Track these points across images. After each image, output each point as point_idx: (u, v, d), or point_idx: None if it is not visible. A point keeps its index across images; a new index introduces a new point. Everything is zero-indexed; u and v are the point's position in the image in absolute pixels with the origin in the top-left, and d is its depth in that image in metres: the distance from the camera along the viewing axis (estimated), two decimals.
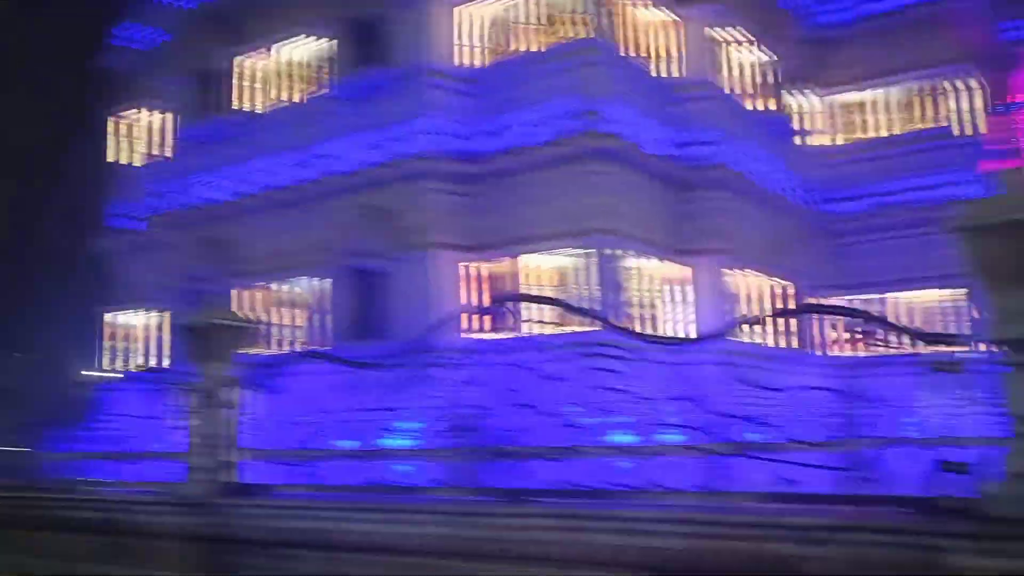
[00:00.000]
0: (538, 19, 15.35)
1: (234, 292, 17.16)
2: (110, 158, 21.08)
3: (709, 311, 15.76)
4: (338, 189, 16.01)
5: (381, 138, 15.79)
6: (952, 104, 19.87)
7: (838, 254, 20.04)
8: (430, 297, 14.66)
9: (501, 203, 14.89)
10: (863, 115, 20.55)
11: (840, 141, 20.60)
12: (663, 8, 16.39)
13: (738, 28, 17.35)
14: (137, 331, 19.97)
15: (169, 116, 20.63)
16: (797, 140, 19.52)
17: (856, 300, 20.15)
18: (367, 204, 15.52)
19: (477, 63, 15.77)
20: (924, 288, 19.38)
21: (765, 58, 18.37)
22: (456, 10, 15.78)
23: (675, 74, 16.46)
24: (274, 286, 17.12)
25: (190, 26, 18.98)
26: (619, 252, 14.28)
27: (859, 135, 20.51)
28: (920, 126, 19.99)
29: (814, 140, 20.24)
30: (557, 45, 14.82)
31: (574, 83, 14.42)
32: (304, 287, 16.79)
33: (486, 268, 15.13)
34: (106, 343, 20.12)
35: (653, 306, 15.15)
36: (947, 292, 19.10)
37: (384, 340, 14.83)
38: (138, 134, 21.04)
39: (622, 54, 15.02)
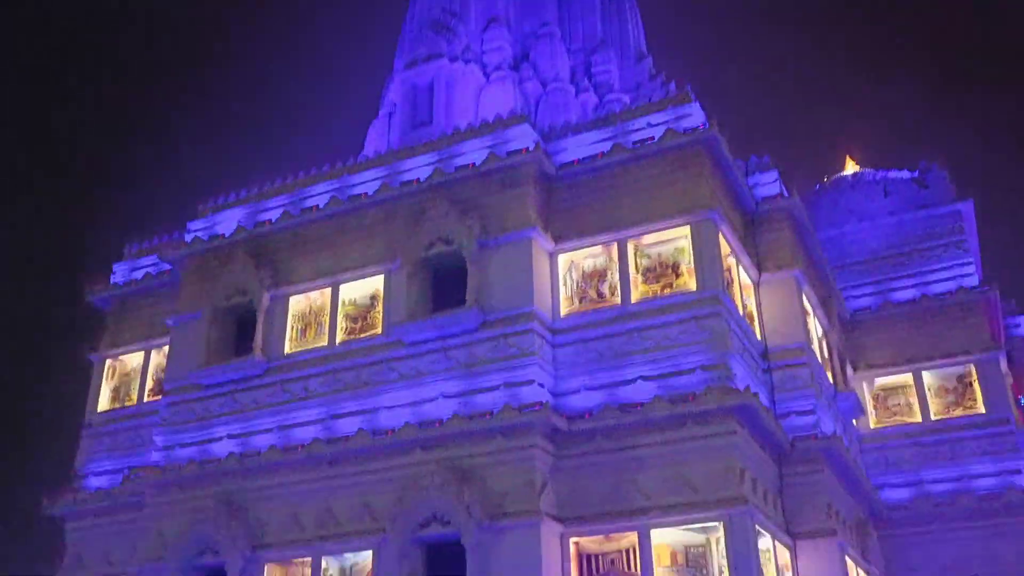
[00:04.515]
0: (638, 268, 14.34)
1: (268, 568, 14.04)
2: (97, 405, 18.17)
3: None
4: (400, 444, 13.78)
5: (461, 388, 13.91)
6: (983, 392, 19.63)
7: (890, 544, 18.66)
8: None
9: (612, 467, 12.96)
10: (900, 399, 20.07)
11: (880, 425, 19.90)
12: (753, 269, 15.79)
13: (812, 295, 16.88)
14: None
15: (161, 358, 18.16)
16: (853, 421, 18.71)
17: None
18: (442, 462, 13.27)
19: (567, 311, 14.42)
20: None
21: (831, 331, 17.88)
22: (545, 256, 14.66)
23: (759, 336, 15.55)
24: (304, 560, 14.12)
25: (207, 261, 17.13)
26: (758, 528, 12.38)
27: (898, 419, 19.89)
28: (959, 413, 19.58)
29: (861, 423, 19.49)
30: (676, 295, 13.72)
31: (699, 336, 13.21)
32: (345, 562, 13.88)
33: (594, 544, 12.85)
34: None
35: None
36: None
37: None
38: (128, 377, 18.36)
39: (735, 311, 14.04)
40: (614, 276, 14.41)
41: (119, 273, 19.69)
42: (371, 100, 25.95)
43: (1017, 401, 22.46)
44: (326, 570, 13.88)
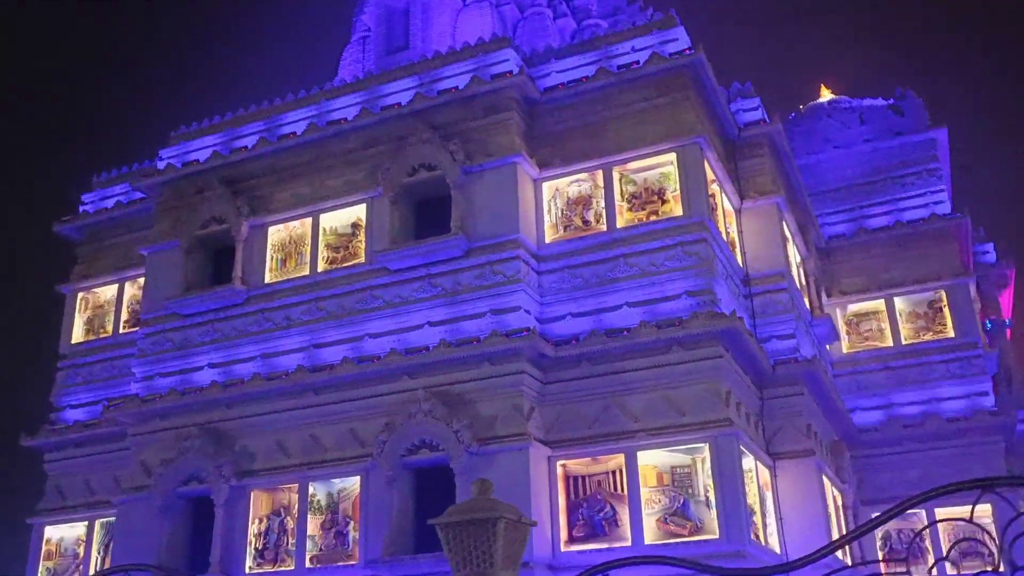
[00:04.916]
0: (623, 195, 14.29)
1: (254, 494, 14.11)
2: (71, 337, 17.95)
3: (800, 521, 14.14)
4: (386, 371, 13.79)
5: (446, 315, 13.90)
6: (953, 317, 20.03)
7: (862, 464, 19.16)
8: (517, 500, 12.30)
9: (599, 391, 13.10)
10: (872, 324, 20.42)
11: (853, 350, 20.27)
12: (735, 196, 15.83)
13: (791, 222, 17.01)
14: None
15: (136, 289, 17.92)
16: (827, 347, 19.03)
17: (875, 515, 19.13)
18: (429, 389, 13.31)
19: (552, 239, 14.38)
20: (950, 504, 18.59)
21: (808, 258, 18.07)
22: (529, 183, 14.56)
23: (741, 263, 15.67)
24: (291, 486, 14.19)
25: (182, 189, 16.80)
26: (742, 449, 12.63)
27: (870, 344, 20.26)
28: (929, 337, 19.98)
29: (834, 348, 19.83)
30: (662, 221, 13.72)
31: (685, 262, 13.26)
32: (332, 487, 13.96)
33: (581, 466, 13.03)
34: (43, 564, 16.08)
35: (764, 514, 13.40)
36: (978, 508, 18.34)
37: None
38: (103, 309, 18.10)
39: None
40: (599, 203, 14.35)
41: (89, 203, 19.26)
42: (343, 25, 25.37)
43: (983, 325, 23.02)
44: (313, 495, 13.97)
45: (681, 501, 12.50)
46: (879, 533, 18.93)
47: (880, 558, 18.62)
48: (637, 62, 14.56)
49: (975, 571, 16.21)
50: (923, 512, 18.58)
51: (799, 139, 22.43)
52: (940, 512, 18.44)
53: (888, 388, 19.71)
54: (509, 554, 5.77)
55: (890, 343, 20.10)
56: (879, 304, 20.46)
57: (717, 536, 12.00)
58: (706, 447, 12.47)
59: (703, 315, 12.77)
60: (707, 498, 12.33)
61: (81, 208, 19.18)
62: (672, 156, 14.09)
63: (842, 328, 20.49)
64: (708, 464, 12.45)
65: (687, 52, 14.31)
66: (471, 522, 5.76)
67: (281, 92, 17.12)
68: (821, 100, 24.17)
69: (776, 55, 43.73)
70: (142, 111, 42.90)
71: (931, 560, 18.38)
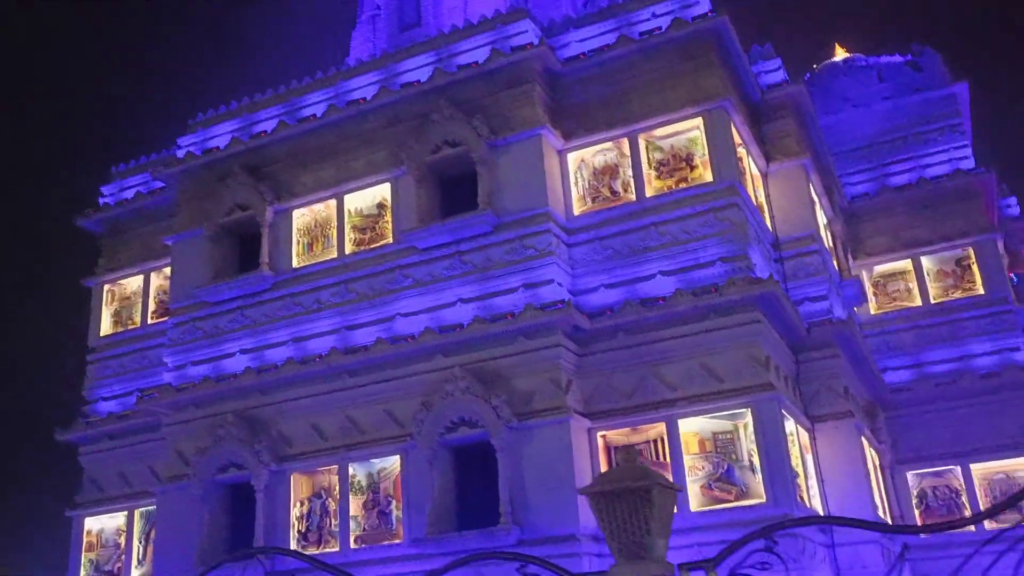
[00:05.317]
0: (650, 163, 14.16)
1: (294, 478, 14.13)
2: (99, 330, 17.93)
3: (842, 482, 14.10)
4: (421, 350, 13.74)
5: (478, 292, 13.83)
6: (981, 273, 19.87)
7: (894, 424, 19.08)
8: (559, 473, 12.32)
9: (636, 361, 13.04)
10: (900, 284, 20.26)
11: (881, 311, 20.13)
12: (761, 159, 15.68)
13: (817, 184, 16.86)
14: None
15: (161, 279, 17.90)
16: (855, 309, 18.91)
17: (910, 474, 19.11)
18: (465, 366, 13.27)
19: (581, 210, 14.28)
20: (985, 459, 18.53)
21: (834, 219, 17.93)
22: (554, 155, 14.44)
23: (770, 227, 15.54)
24: (330, 468, 14.20)
25: (203, 177, 16.72)
26: (783, 412, 12.57)
27: (898, 305, 20.11)
28: (959, 295, 19.82)
29: (862, 310, 19.69)
30: (692, 188, 13.60)
31: (717, 228, 13.14)
32: (372, 467, 13.97)
33: (621, 436, 13.00)
34: (85, 556, 16.16)
35: (805, 476, 13.36)
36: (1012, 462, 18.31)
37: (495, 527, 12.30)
38: (129, 301, 18.09)
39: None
40: (626, 172, 14.22)
41: (108, 195, 19.21)
42: (348, 6, 25.16)
43: (1011, 280, 22.83)
44: (354, 476, 13.98)
45: (725, 467, 12.46)
46: (915, 491, 18.90)
47: (917, 516, 18.61)
48: (659, 28, 14.38)
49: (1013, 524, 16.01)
50: (958, 469, 18.61)
51: (817, 98, 22.04)
52: (976, 468, 18.49)
53: (917, 347, 19.57)
54: (663, 521, 5.57)
55: (918, 302, 19.93)
56: (906, 264, 20.27)
57: (764, 500, 11.97)
58: (748, 412, 12.42)
59: (740, 281, 12.67)
60: (751, 463, 12.29)
61: (101, 200, 19.13)
62: (698, 121, 13.94)
63: (869, 289, 20.33)
64: (750, 429, 12.40)
65: (710, 15, 14.12)
66: (625, 491, 5.52)
67: (293, 76, 16.99)
68: (836, 59, 23.88)
69: (783, 14, 43.19)
70: (154, 100, 42.74)
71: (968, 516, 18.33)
